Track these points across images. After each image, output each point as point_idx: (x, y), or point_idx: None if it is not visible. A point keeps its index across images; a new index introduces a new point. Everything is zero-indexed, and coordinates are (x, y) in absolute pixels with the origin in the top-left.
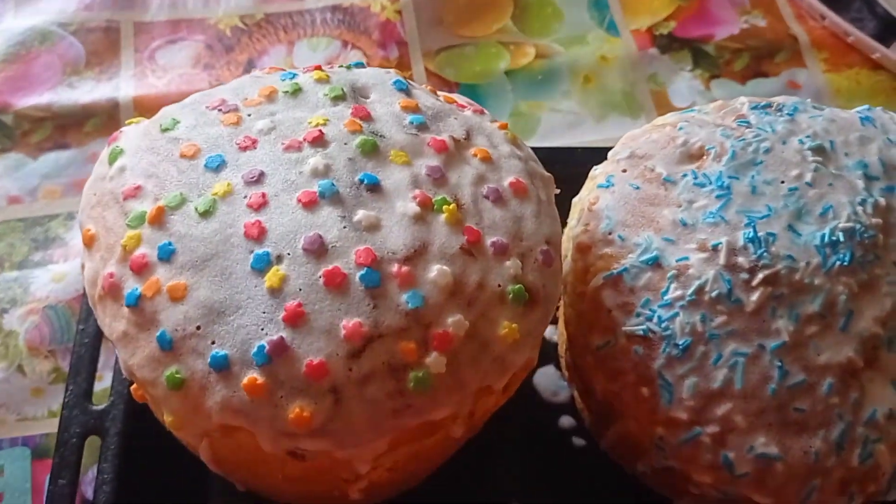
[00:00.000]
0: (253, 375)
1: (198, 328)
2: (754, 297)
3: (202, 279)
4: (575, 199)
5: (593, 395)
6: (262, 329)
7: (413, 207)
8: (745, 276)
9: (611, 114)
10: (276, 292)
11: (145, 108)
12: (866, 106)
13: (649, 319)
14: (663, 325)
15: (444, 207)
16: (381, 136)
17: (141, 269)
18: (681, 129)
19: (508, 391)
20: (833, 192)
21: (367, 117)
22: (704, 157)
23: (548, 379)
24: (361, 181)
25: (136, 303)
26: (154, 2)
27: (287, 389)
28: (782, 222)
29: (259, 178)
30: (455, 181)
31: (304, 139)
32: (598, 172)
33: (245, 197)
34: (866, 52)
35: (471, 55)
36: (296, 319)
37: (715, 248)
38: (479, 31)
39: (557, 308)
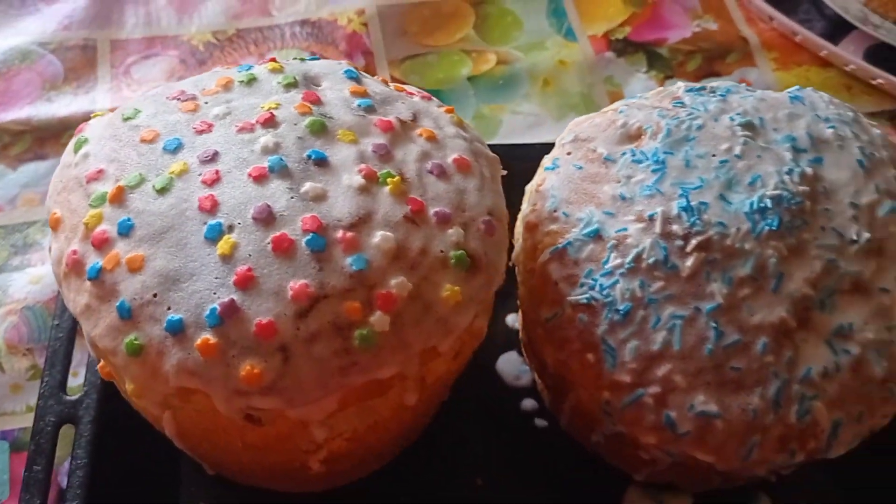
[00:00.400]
0: (206, 336)
1: (154, 296)
2: (689, 262)
3: (159, 250)
4: (528, 186)
5: (546, 369)
6: (215, 293)
7: (358, 180)
8: (679, 243)
9: (569, 114)
10: (227, 259)
11: None
12: (797, 87)
13: (592, 288)
14: (605, 292)
15: (389, 180)
16: (329, 117)
17: (102, 245)
18: (621, 112)
19: (460, 358)
20: (761, 163)
21: (317, 101)
22: (643, 137)
23: (510, 364)
24: (309, 157)
25: (97, 276)
26: (130, 20)
27: (238, 349)
28: (714, 192)
29: (213, 157)
30: (400, 157)
31: (257, 121)
32: (547, 158)
33: (200, 175)
34: (814, 50)
35: (434, 63)
36: (246, 283)
37: (651, 219)
38: (442, 40)
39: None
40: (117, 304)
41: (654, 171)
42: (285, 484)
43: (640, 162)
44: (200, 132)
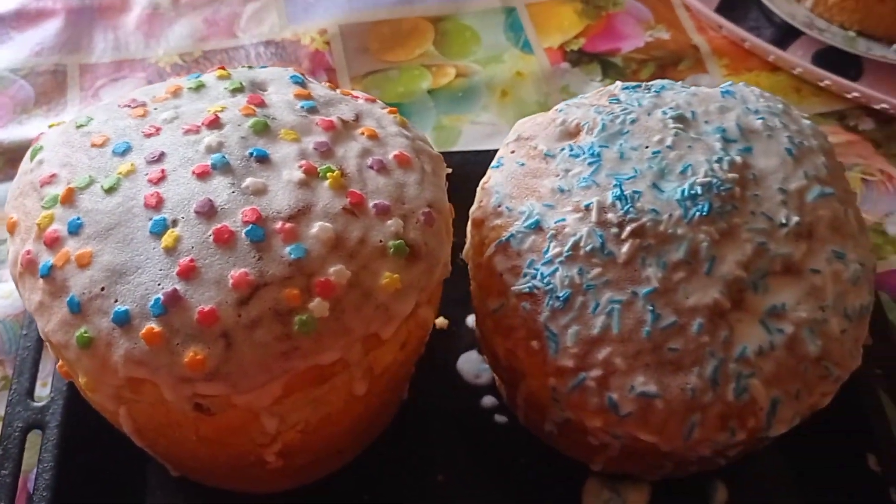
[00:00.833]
0: (150, 325)
1: (102, 289)
2: (624, 248)
3: (106, 246)
4: (478, 188)
5: (499, 362)
6: (159, 284)
7: (299, 174)
8: (615, 230)
9: None
10: (171, 251)
11: None
12: (730, 82)
13: (534, 278)
14: (546, 280)
15: (329, 174)
16: (272, 118)
17: (53, 244)
18: (560, 111)
19: (407, 349)
20: (692, 153)
21: (262, 104)
22: (580, 133)
23: (470, 364)
24: (251, 154)
25: (48, 273)
26: (99, 45)
27: (182, 336)
28: (647, 181)
29: (160, 158)
30: (341, 154)
31: (202, 123)
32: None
33: (146, 174)
34: (763, 55)
35: (395, 78)
36: (188, 273)
37: (587, 208)
38: (403, 56)
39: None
40: (67, 299)
41: (590, 163)
42: (246, 483)
43: (577, 156)
44: (149, 135)
